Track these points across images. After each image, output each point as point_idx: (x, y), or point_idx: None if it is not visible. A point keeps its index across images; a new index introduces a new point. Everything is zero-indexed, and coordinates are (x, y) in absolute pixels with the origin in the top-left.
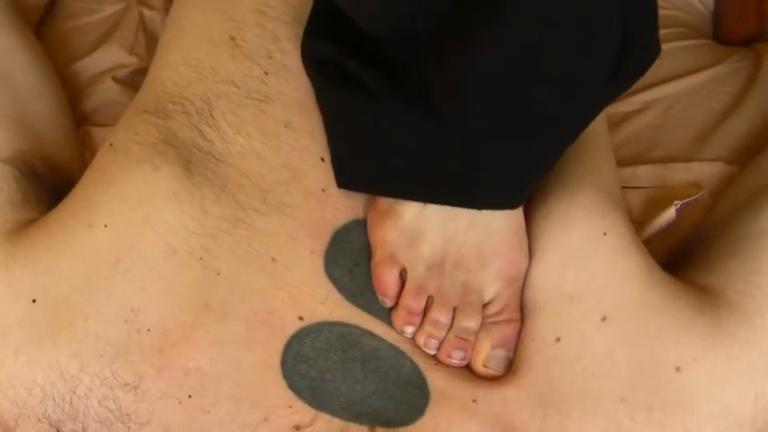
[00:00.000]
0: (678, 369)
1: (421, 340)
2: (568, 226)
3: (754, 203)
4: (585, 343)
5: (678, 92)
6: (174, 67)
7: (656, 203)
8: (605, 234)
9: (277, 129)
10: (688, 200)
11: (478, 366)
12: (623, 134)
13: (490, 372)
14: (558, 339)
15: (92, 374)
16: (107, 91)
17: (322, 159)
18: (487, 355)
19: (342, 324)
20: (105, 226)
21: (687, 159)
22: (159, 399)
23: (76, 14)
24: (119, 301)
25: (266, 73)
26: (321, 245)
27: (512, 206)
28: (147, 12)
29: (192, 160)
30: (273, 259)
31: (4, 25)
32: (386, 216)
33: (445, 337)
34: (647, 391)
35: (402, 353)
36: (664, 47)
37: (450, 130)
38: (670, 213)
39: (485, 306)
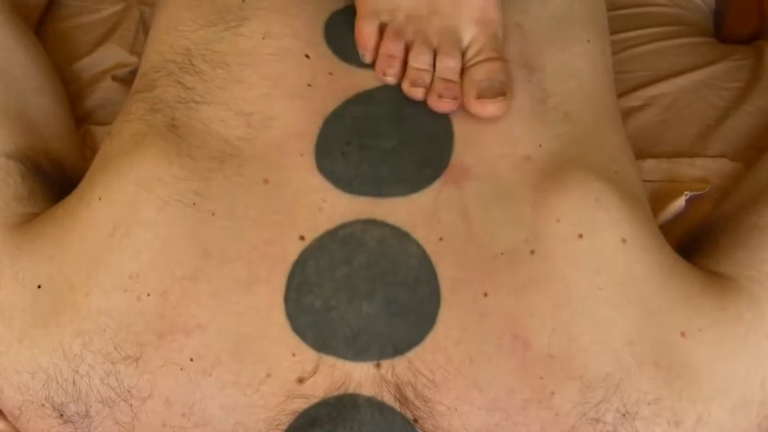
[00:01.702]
0: (683, 334)
1: (407, 83)
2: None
3: (761, 197)
4: (604, 256)
5: (680, 89)
6: (159, 39)
7: (662, 197)
8: None
9: (254, 43)
10: (696, 193)
11: (472, 102)
12: (626, 130)
13: (487, 103)
14: (581, 236)
15: (94, 351)
16: (107, 90)
17: (306, 56)
18: (478, 87)
19: (342, 226)
20: (100, 199)
21: (691, 155)
22: (161, 368)
23: (77, 13)
24: (117, 270)
25: (244, 0)
26: (309, 142)
27: None
28: (147, 10)
29: (175, 116)
30: (265, 181)
31: (4, 23)
32: None
33: (432, 80)
34: (654, 344)
35: (407, 236)
36: (665, 44)
37: None
38: (680, 203)
39: (463, 53)
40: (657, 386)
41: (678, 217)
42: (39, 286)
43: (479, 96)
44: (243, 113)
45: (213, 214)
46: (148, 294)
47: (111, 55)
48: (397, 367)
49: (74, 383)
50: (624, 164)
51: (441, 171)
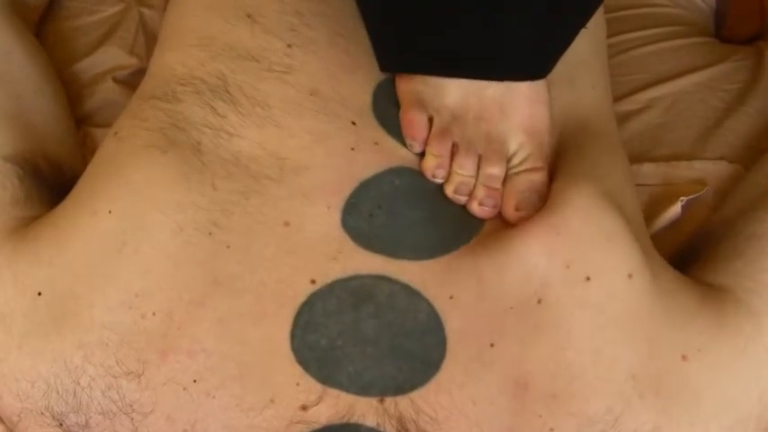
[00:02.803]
0: (684, 357)
1: (450, 189)
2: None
3: (759, 204)
4: (610, 294)
5: (680, 90)
6: (184, 49)
7: (660, 201)
8: None
9: (301, 96)
10: (693, 196)
11: (510, 212)
12: (625, 133)
13: (523, 215)
14: (588, 279)
15: (96, 364)
16: (107, 92)
17: (353, 123)
18: (518, 198)
19: (355, 277)
20: (110, 212)
21: (690, 158)
22: (163, 385)
23: (76, 15)
24: (123, 286)
25: (290, 45)
26: (340, 198)
27: (533, 77)
28: (147, 12)
29: (202, 140)
30: (286, 223)
31: (4, 25)
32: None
33: (474, 186)
34: (656, 373)
35: (417, 294)
36: (665, 45)
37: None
38: (675, 209)
39: (509, 159)
40: (656, 415)
41: (675, 223)
42: (39, 293)
43: (518, 208)
44: (278, 157)
45: (228, 247)
46: (153, 313)
47: (110, 56)
48: (400, 404)
49: (74, 394)
50: (626, 192)
51: (458, 247)
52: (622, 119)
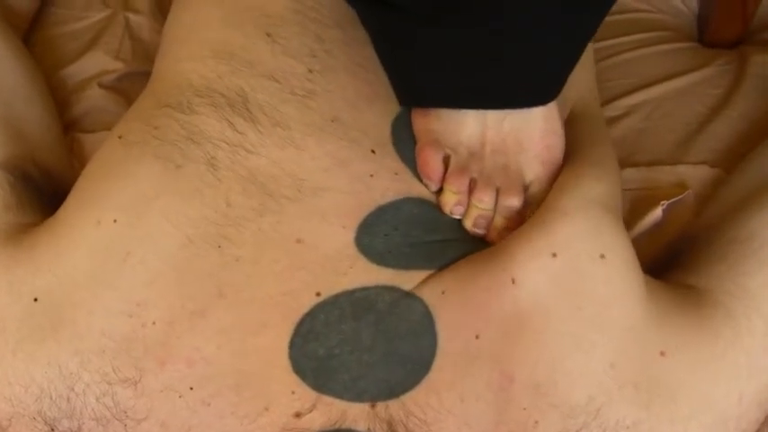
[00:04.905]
0: (663, 354)
1: (469, 222)
2: None
3: (741, 208)
4: (582, 272)
5: (661, 96)
6: (202, 60)
7: (641, 205)
8: None
9: (323, 122)
10: (674, 200)
11: None
12: None
13: None
14: (555, 255)
15: (92, 371)
16: (94, 97)
17: (373, 152)
18: None
19: (360, 289)
20: (115, 221)
21: (672, 162)
22: (159, 393)
23: (63, 21)
24: (125, 295)
25: (311, 71)
26: (357, 219)
27: (542, 103)
28: (132, 17)
29: (217, 155)
30: (299, 240)
31: None
32: (429, 108)
33: (492, 219)
34: (634, 365)
35: (414, 296)
36: (648, 51)
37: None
38: (657, 213)
39: (526, 190)
40: (636, 409)
41: (657, 227)
42: (35, 299)
43: None
44: (296, 177)
45: (237, 260)
46: (154, 323)
47: (96, 62)
48: (391, 408)
49: (68, 400)
50: (609, 179)
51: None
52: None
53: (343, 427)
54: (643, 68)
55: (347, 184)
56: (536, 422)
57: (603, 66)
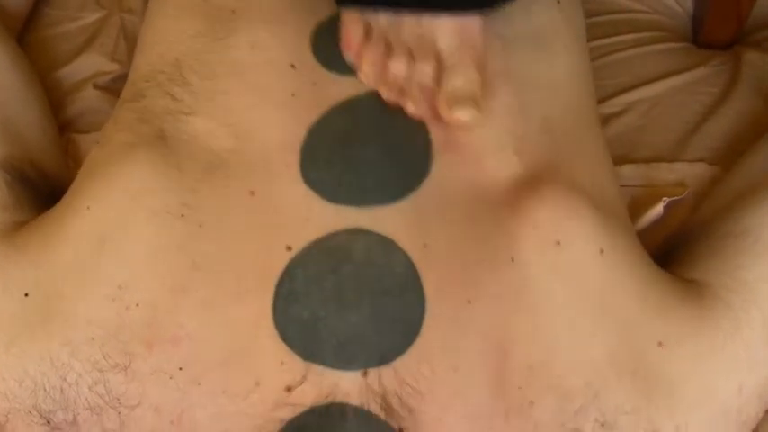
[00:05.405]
0: (661, 344)
1: (383, 90)
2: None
3: (737, 204)
4: (582, 265)
5: (658, 94)
6: (147, 48)
7: (642, 201)
8: None
9: (242, 54)
10: (675, 198)
11: (445, 111)
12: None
13: (457, 112)
14: (558, 243)
15: (82, 360)
16: (89, 98)
17: (292, 66)
18: (449, 96)
19: (329, 236)
20: (88, 208)
21: (670, 160)
22: (150, 376)
23: (58, 22)
24: (105, 279)
25: (233, 11)
26: (294, 152)
27: (485, 11)
28: (127, 17)
29: (164, 127)
30: (252, 192)
31: None
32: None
33: (410, 90)
34: (632, 354)
35: (393, 244)
36: (643, 50)
37: None
38: (658, 210)
39: (441, 60)
40: (635, 396)
41: (656, 223)
42: (26, 294)
43: (450, 104)
44: (228, 124)
45: (201, 226)
46: (137, 304)
47: (91, 63)
48: (384, 377)
49: (61, 391)
50: (603, 174)
51: (421, 179)
52: (602, 122)
53: (336, 400)
54: (639, 67)
55: (273, 114)
56: (531, 402)
57: (598, 64)
